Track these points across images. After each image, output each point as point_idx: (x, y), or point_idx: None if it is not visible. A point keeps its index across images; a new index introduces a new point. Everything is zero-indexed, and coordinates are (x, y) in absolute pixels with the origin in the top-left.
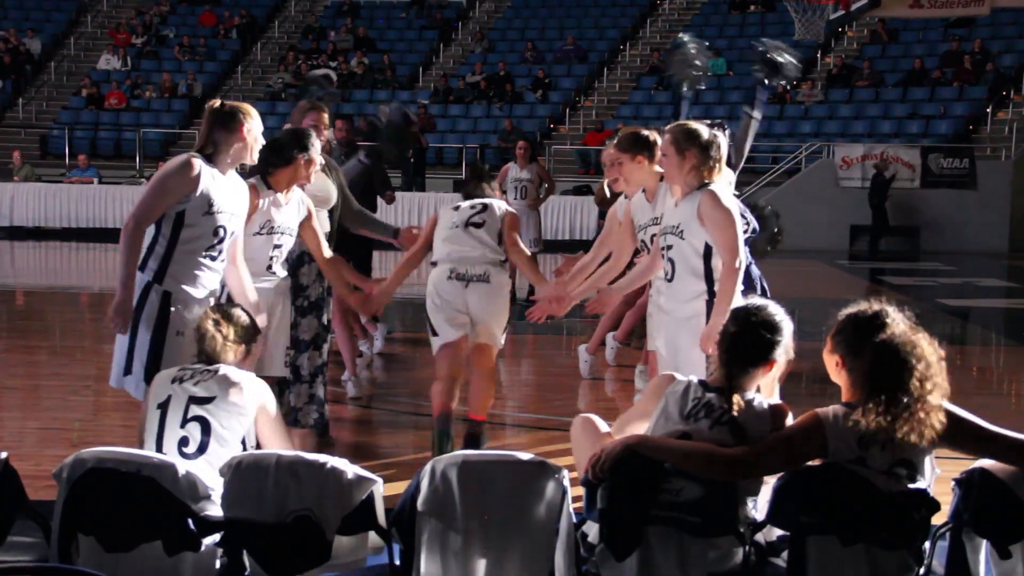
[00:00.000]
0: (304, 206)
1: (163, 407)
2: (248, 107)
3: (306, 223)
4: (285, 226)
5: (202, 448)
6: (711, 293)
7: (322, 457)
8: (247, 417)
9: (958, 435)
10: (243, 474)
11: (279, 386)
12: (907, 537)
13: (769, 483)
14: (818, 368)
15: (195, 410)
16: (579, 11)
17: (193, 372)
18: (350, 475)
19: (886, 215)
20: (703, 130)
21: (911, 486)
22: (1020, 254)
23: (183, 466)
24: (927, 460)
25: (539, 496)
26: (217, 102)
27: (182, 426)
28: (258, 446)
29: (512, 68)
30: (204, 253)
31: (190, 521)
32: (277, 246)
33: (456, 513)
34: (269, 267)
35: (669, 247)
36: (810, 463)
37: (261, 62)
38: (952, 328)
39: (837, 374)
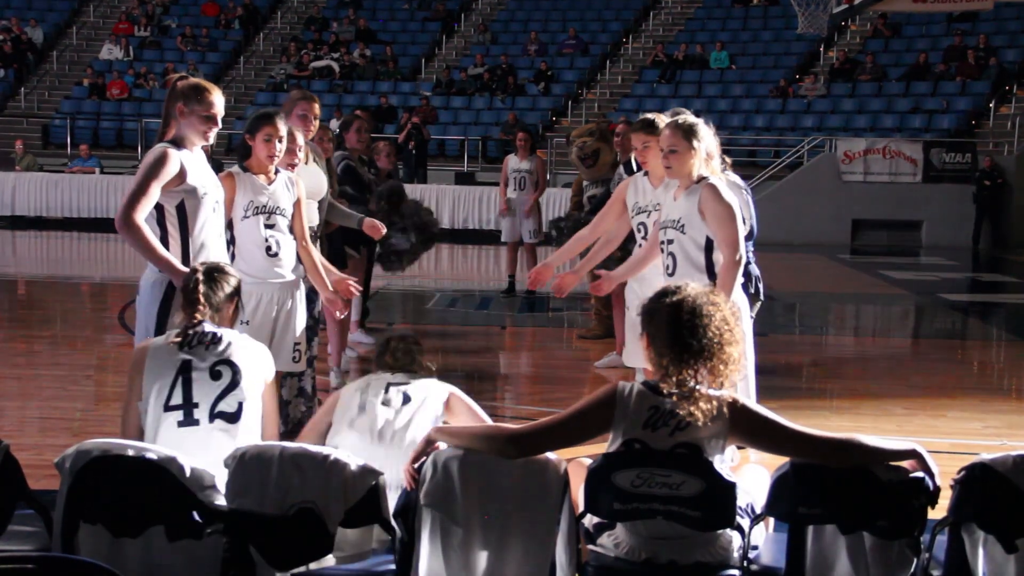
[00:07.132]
0: (294, 189)
1: None
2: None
3: (295, 207)
4: (272, 206)
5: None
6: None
7: (325, 450)
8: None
9: (749, 430)
10: (246, 465)
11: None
12: (905, 525)
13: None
14: (817, 361)
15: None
16: (582, 3)
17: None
18: (353, 468)
19: None
20: (703, 123)
21: (910, 475)
22: (1022, 249)
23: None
24: (720, 451)
25: (540, 489)
26: (177, 76)
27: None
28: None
29: (514, 60)
30: (217, 234)
31: (194, 510)
32: (269, 226)
33: (457, 506)
34: (269, 249)
35: (670, 241)
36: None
37: (263, 53)
38: (953, 323)
39: (647, 357)
